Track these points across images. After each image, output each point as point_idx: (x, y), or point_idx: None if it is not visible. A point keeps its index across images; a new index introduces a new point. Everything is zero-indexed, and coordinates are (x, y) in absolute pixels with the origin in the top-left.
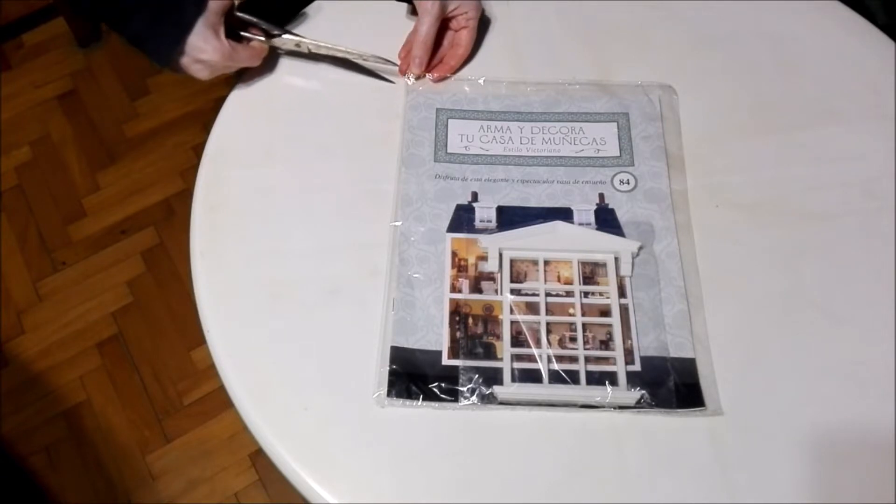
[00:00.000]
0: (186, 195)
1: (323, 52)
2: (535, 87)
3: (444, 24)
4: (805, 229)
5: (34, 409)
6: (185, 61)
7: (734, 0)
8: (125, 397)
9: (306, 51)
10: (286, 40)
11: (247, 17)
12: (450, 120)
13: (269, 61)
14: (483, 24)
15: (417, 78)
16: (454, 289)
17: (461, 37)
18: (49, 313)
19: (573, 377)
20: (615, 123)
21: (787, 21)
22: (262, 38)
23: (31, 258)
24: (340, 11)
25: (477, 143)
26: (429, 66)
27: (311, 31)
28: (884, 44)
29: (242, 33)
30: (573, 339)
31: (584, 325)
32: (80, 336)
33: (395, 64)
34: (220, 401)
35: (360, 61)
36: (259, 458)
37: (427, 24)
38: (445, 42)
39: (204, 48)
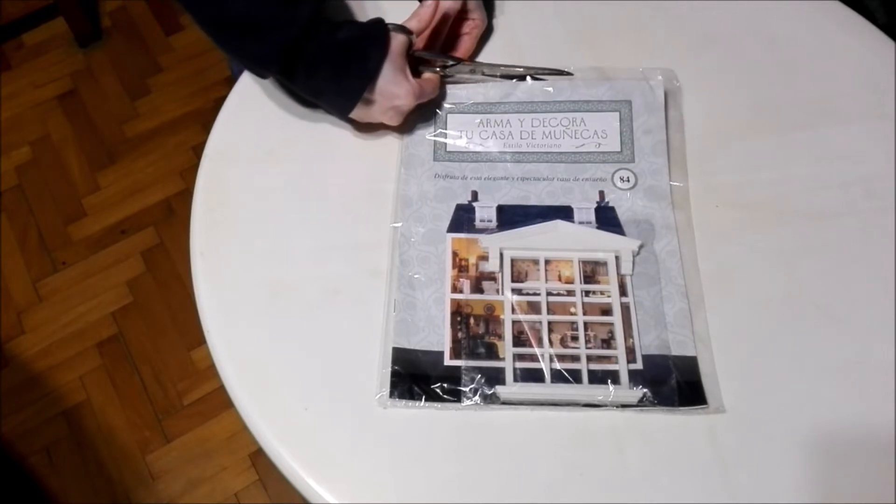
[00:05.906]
0: (186, 195)
1: (499, 73)
2: None
3: (450, 30)
4: (805, 229)
5: (34, 409)
6: (376, 110)
7: (734, 0)
8: (125, 397)
9: (480, 74)
10: (462, 67)
11: (425, 53)
12: (449, 115)
13: None
14: None
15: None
16: (455, 289)
17: (461, 42)
18: (49, 313)
19: (575, 376)
20: (617, 113)
21: (787, 21)
22: (438, 69)
23: (31, 258)
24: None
25: (476, 140)
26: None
27: None
28: (884, 44)
29: (419, 67)
30: (575, 339)
31: (585, 323)
32: (79, 336)
33: (570, 73)
34: (220, 401)
35: (535, 75)
36: (259, 458)
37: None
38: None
39: (398, 93)
